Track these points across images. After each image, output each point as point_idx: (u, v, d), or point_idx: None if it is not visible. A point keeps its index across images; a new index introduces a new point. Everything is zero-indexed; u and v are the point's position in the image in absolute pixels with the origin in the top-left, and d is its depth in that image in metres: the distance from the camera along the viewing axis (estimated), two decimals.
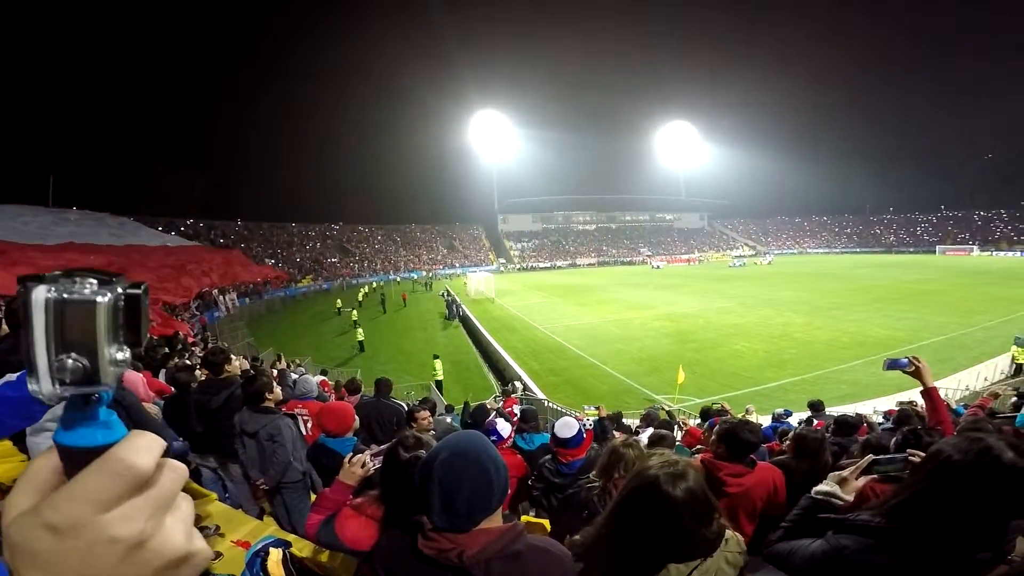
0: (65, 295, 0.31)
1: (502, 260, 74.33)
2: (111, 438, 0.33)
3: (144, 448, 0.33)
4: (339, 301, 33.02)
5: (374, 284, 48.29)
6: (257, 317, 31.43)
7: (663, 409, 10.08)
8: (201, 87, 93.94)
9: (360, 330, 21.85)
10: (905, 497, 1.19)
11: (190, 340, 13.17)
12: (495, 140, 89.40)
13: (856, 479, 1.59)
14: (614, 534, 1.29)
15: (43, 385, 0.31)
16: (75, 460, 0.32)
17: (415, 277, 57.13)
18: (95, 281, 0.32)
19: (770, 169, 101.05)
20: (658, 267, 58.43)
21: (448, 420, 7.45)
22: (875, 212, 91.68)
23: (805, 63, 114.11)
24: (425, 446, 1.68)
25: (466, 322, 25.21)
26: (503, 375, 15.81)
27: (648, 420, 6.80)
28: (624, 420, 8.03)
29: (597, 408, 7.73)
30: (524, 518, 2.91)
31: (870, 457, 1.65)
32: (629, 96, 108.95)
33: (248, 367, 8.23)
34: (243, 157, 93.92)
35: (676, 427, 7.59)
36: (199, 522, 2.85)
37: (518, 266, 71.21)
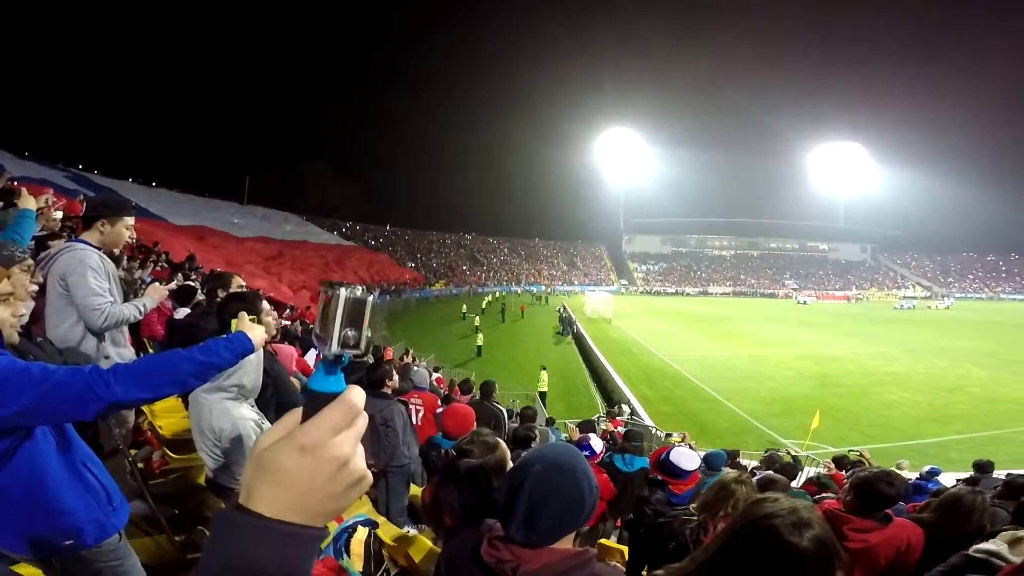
0: (355, 294, 0.48)
1: (624, 281, 72.32)
2: (342, 387, 0.46)
3: (360, 396, 0.46)
4: (465, 307, 35.08)
5: (497, 294, 50.38)
6: (394, 313, 34.81)
7: (788, 453, 8.96)
8: (361, 108, 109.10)
9: (480, 336, 22.95)
10: None
11: None
12: (624, 158, 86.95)
13: None
14: None
15: (332, 347, 0.47)
16: (319, 402, 0.44)
17: (534, 291, 58.40)
18: (363, 287, 0.51)
19: (956, 196, 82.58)
20: (804, 302, 51.59)
21: (552, 437, 7.39)
22: None
23: (1007, 69, 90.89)
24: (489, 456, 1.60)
25: (579, 340, 25.00)
26: (611, 397, 15.34)
27: (768, 463, 6.07)
28: (740, 460, 7.33)
29: (682, 436, 7.18)
30: (603, 541, 2.81)
31: None
32: (778, 112, 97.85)
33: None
34: (394, 169, 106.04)
35: (801, 472, 6.77)
36: None
37: (641, 289, 68.61)
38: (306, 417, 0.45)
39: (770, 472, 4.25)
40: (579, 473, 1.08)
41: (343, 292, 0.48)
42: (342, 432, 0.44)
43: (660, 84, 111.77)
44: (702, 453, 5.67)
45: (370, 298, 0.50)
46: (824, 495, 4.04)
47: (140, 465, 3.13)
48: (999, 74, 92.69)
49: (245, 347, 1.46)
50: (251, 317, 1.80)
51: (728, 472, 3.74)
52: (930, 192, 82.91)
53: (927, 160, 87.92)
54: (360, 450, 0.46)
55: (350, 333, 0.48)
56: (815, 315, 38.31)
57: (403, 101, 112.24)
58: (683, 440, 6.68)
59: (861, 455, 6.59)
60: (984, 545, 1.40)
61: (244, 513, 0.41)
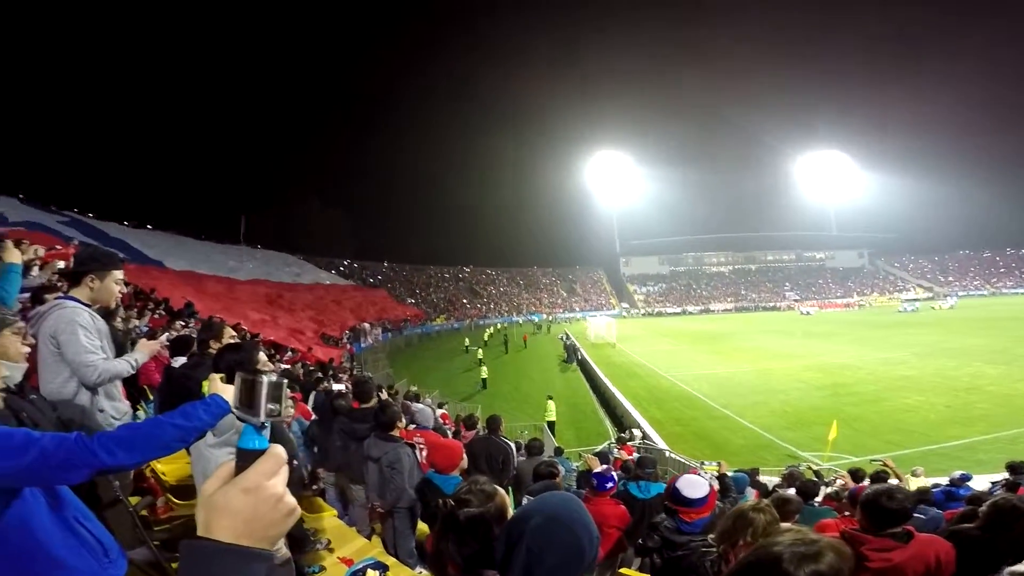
0: (272, 379, 0.65)
1: (624, 304, 72.18)
2: (266, 445, 0.61)
3: (282, 451, 0.62)
4: (467, 340, 34.96)
5: (498, 325, 50.24)
6: (396, 350, 34.71)
7: (809, 467, 8.72)
8: (353, 145, 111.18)
9: (484, 368, 22.76)
10: None
11: (338, 366, 15.00)
12: (615, 180, 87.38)
13: None
14: None
15: (261, 417, 0.63)
16: (248, 458, 0.59)
17: (536, 320, 58.18)
18: (278, 375, 0.67)
19: (949, 196, 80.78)
20: (808, 313, 51.34)
21: (562, 469, 7.13)
22: None
23: (992, 68, 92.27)
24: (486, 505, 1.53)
25: (584, 366, 24.76)
26: (621, 422, 15.04)
27: (790, 480, 5.86)
28: (760, 478, 7.12)
29: (718, 464, 6.99)
30: (624, 571, 2.69)
31: None
32: (763, 125, 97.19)
33: (386, 395, 9.06)
34: (390, 205, 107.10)
35: (824, 487, 6.55)
36: (314, 535, 3.14)
37: (643, 311, 68.39)
38: (240, 469, 0.58)
39: (782, 492, 4.12)
40: (578, 526, 1.05)
41: (265, 379, 0.65)
42: (274, 477, 0.59)
43: (645, 105, 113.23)
44: (708, 477, 5.49)
45: (284, 381, 0.67)
46: (846, 513, 3.90)
47: (144, 513, 3.06)
48: (976, 71, 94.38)
49: (223, 409, 1.60)
50: (231, 377, 1.81)
51: (748, 499, 3.61)
52: (920, 193, 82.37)
53: (915, 162, 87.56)
54: (287, 490, 0.60)
55: (271, 407, 0.64)
56: (819, 324, 38.15)
57: (394, 136, 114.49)
58: (719, 469, 6.48)
59: (884, 464, 6.36)
60: (1018, 568, 1.32)
61: (208, 541, 0.53)
